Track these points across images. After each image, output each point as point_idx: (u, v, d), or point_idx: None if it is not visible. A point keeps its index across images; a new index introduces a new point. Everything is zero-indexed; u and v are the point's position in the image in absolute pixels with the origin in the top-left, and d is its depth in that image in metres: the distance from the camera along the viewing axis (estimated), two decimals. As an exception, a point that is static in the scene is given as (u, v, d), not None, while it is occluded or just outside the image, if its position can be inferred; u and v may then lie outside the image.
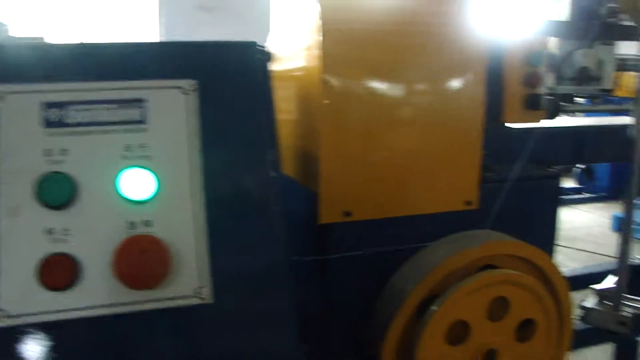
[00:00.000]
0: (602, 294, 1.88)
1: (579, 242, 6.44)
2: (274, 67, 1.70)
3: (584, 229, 8.02)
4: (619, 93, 8.04)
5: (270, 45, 1.83)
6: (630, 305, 1.86)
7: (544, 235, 1.68)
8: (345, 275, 1.51)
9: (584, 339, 2.19)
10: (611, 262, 3.01)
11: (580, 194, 9.88)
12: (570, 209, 8.78)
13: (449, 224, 1.54)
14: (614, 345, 2.72)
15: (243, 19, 8.65)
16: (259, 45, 1.08)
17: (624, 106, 1.91)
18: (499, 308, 1.49)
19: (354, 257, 1.49)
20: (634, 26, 1.66)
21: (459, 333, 1.49)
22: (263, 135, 1.05)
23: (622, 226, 1.87)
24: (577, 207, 9.15)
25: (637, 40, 1.70)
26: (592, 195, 9.68)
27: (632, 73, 2.38)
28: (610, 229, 7.97)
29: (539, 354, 1.61)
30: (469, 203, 1.54)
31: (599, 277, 2.01)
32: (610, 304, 1.86)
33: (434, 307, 1.42)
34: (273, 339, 1.08)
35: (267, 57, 1.08)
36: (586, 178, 9.93)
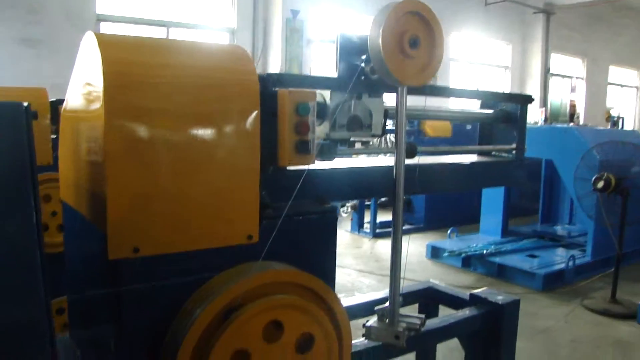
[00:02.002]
0: (381, 313, 2.15)
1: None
2: (70, 109, 1.77)
3: (403, 258, 8.67)
4: (431, 133, 8.94)
5: (70, 87, 1.90)
6: (404, 321, 2.15)
7: (324, 265, 1.89)
8: (137, 307, 1.59)
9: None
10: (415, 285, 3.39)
11: (402, 226, 10.63)
12: (388, 240, 9.48)
13: (234, 256, 1.70)
14: None
15: (68, 54, 8.36)
16: (25, 106, 1.15)
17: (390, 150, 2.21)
18: (276, 331, 1.67)
19: (145, 290, 1.58)
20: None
21: (244, 357, 1.63)
22: (24, 187, 1.11)
23: (391, 251, 2.15)
24: (398, 237, 9.80)
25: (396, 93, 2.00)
26: (411, 227, 10.52)
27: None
28: (424, 257, 8.72)
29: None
30: (250, 237, 1.72)
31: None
32: (386, 321, 2.12)
33: (212, 343, 1.56)
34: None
35: (31, 115, 1.16)
36: (406, 211, 10.79)
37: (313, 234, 1.87)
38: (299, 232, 1.84)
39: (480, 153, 2.92)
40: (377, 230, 9.61)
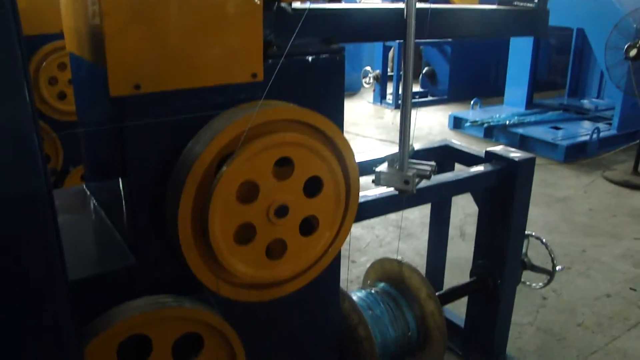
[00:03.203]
0: (391, 158, 2.14)
1: (421, 140, 6.95)
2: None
3: (425, 128, 8.66)
4: (457, 1, 8.52)
5: None
6: (414, 167, 2.14)
7: (331, 108, 1.85)
8: (141, 145, 1.59)
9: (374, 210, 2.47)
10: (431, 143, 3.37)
11: (425, 97, 10.55)
12: (414, 111, 9.40)
13: (238, 94, 1.67)
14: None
15: None
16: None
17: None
18: (286, 168, 1.67)
19: (148, 127, 1.57)
20: None
21: (251, 193, 1.65)
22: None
23: (402, 89, 2.09)
24: (420, 109, 9.78)
25: None
26: (434, 98, 10.38)
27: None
28: (447, 127, 8.66)
29: (328, 210, 1.83)
30: (254, 75, 1.67)
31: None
32: (396, 166, 2.12)
33: (223, 169, 1.56)
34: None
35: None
36: (429, 82, 10.60)
37: (319, 75, 1.81)
38: (306, 73, 1.78)
39: (500, 3, 2.74)
40: (400, 102, 9.49)
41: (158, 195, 1.64)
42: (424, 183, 2.27)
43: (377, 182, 2.11)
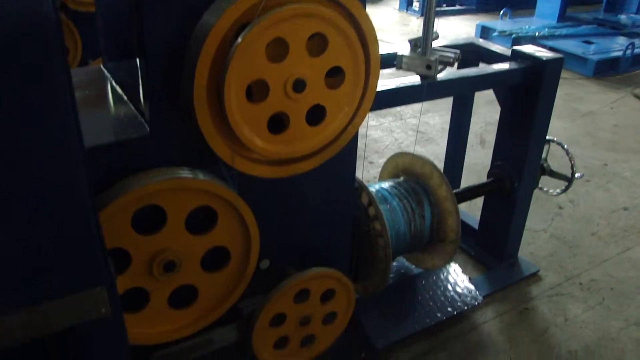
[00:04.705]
0: (414, 42, 2.06)
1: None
2: None
3: (451, 36, 8.40)
4: None
5: None
6: (437, 53, 2.07)
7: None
8: (157, 13, 1.54)
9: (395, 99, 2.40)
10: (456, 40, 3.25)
11: (452, 5, 10.19)
12: (442, 19, 9.11)
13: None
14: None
15: None
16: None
17: None
18: (317, 45, 1.61)
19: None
20: None
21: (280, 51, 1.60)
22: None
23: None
24: (448, 18, 9.48)
25: None
26: (462, 7, 10.02)
27: None
28: (474, 35, 8.40)
29: (346, 98, 1.79)
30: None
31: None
32: (419, 50, 2.05)
33: (240, 37, 1.51)
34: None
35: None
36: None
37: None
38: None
39: None
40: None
41: (174, 70, 1.61)
42: (446, 74, 2.20)
43: (398, 66, 2.06)
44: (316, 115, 1.75)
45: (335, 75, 1.72)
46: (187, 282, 1.80)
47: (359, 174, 2.24)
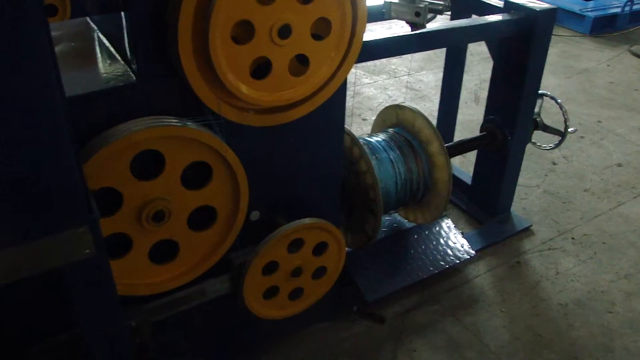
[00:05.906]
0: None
1: None
2: None
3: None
4: None
5: None
6: (426, 0, 2.04)
7: None
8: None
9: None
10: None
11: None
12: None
13: None
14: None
15: None
16: None
17: None
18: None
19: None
20: None
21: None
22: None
23: None
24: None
25: None
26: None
27: None
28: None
29: (331, 49, 1.76)
30: None
31: None
32: (409, -2, 2.02)
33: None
34: None
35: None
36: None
37: None
38: None
39: None
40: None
41: (160, 18, 1.57)
42: (438, 25, 2.17)
43: (387, 14, 2.03)
44: (301, 64, 1.74)
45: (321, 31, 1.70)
46: (170, 237, 1.81)
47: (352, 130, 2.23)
